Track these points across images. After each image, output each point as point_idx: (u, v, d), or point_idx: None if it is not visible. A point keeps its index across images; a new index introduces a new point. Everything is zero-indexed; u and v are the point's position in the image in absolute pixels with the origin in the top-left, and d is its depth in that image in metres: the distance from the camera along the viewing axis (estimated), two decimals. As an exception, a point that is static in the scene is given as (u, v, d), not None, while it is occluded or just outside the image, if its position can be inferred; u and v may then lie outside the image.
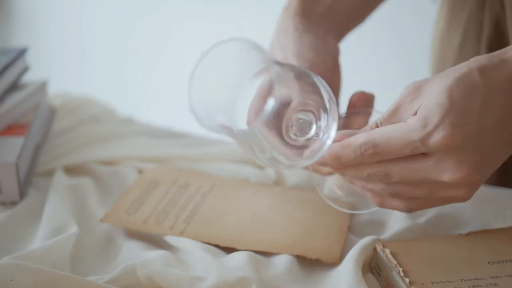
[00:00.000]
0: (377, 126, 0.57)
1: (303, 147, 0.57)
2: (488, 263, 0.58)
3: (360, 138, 0.55)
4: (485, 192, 0.72)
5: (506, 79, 0.53)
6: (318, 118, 0.57)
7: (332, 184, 0.66)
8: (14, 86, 0.88)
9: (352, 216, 0.70)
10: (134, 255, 0.63)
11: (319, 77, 0.56)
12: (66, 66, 2.30)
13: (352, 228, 0.68)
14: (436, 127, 0.53)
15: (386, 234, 0.66)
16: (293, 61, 0.64)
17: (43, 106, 0.91)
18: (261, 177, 0.77)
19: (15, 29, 2.37)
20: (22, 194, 0.74)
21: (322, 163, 0.58)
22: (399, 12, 1.68)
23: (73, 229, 0.66)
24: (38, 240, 0.65)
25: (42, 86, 0.92)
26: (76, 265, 0.64)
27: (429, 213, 0.68)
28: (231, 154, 0.83)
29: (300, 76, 0.56)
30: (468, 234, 0.63)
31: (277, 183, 0.77)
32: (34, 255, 0.60)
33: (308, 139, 0.57)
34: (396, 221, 0.68)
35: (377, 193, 0.58)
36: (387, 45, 1.83)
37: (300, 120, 0.57)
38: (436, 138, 0.53)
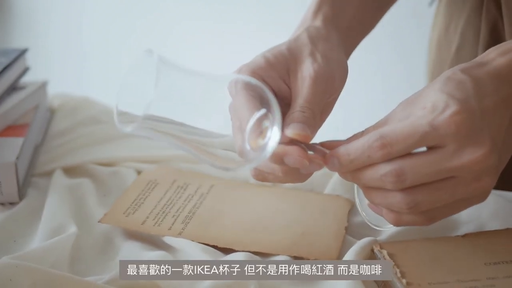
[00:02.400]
0: (362, 133, 0.57)
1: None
2: (485, 264, 0.58)
3: (367, 134, 0.55)
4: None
5: (489, 76, 0.56)
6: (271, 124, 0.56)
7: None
8: (14, 87, 0.88)
9: (349, 217, 0.70)
10: (132, 255, 0.63)
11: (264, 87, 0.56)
12: (65, 67, 2.30)
13: (349, 229, 0.69)
14: (443, 109, 0.53)
15: (383, 235, 0.67)
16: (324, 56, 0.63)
17: (42, 107, 0.91)
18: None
19: (15, 29, 2.38)
20: (21, 195, 0.74)
21: (331, 164, 0.56)
22: (397, 14, 1.68)
23: (72, 229, 0.66)
24: (37, 240, 0.66)
25: (42, 87, 0.92)
26: (75, 265, 0.64)
27: (426, 215, 0.69)
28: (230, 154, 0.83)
29: (251, 86, 0.56)
30: (465, 235, 0.63)
31: (275, 184, 0.77)
32: (33, 255, 0.61)
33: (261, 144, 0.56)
34: (394, 222, 0.68)
35: (395, 207, 0.55)
36: (385, 47, 1.83)
37: (263, 126, 0.56)
38: (445, 116, 0.53)
